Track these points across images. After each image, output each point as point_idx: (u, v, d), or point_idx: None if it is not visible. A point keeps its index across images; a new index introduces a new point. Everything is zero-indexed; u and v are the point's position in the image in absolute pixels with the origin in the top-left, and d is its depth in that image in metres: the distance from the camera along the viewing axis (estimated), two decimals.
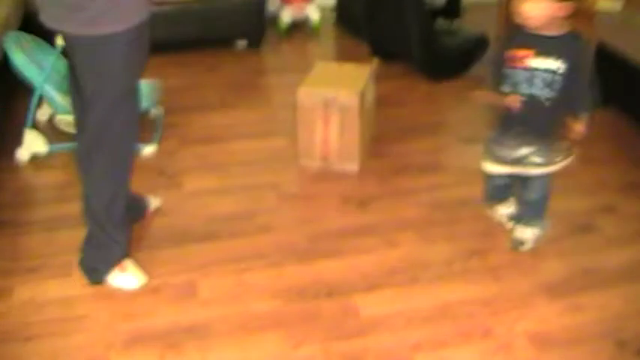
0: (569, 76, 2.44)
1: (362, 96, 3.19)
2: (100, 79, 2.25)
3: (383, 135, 3.56)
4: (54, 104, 3.30)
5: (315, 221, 2.92)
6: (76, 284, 2.52)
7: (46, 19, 2.23)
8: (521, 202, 2.75)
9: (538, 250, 2.75)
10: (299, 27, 5.00)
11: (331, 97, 3.16)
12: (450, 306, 2.45)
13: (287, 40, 4.90)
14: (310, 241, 2.79)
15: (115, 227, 2.47)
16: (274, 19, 4.96)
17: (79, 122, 2.45)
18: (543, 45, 2.45)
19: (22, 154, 3.29)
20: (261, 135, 3.60)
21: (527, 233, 2.73)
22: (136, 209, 2.79)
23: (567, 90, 2.46)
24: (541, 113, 2.52)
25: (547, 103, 2.49)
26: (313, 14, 5.00)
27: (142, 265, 2.58)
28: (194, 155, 3.40)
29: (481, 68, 4.09)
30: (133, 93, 2.37)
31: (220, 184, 3.16)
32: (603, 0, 4.03)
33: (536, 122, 2.53)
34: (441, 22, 4.71)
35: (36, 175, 3.27)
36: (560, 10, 2.39)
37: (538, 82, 2.48)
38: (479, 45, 4.25)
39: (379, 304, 2.47)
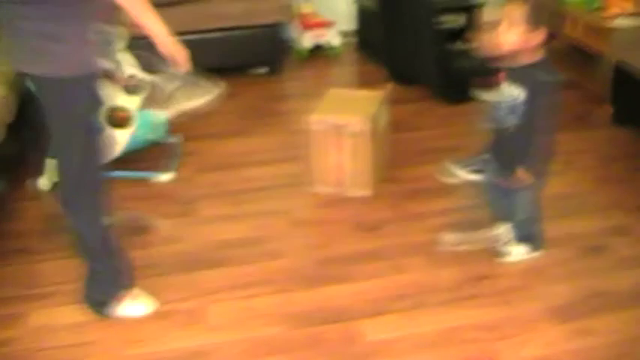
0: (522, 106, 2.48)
1: (373, 121, 3.21)
2: (69, 119, 2.22)
3: (398, 159, 3.56)
4: None
5: (324, 247, 2.94)
6: (88, 310, 2.57)
7: (13, 62, 2.21)
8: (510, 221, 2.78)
9: (548, 273, 2.73)
10: (320, 52, 5.05)
11: (342, 123, 3.18)
12: (456, 331, 2.44)
13: (307, 66, 4.95)
14: (319, 267, 2.80)
15: (113, 257, 2.49)
16: (295, 45, 5.02)
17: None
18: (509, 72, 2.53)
19: (44, 183, 3.37)
20: (277, 161, 3.64)
21: (515, 249, 2.78)
22: None
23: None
24: (504, 140, 2.61)
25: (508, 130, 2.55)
26: (333, 40, 5.05)
27: (153, 292, 2.62)
28: (209, 182, 3.45)
29: None
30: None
31: (233, 211, 3.20)
32: (621, 17, 4.00)
33: (499, 150, 2.68)
34: (459, 44, 4.71)
35: (55, 204, 3.34)
36: (530, 40, 2.41)
37: (499, 110, 2.57)
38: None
39: (385, 329, 2.47)
